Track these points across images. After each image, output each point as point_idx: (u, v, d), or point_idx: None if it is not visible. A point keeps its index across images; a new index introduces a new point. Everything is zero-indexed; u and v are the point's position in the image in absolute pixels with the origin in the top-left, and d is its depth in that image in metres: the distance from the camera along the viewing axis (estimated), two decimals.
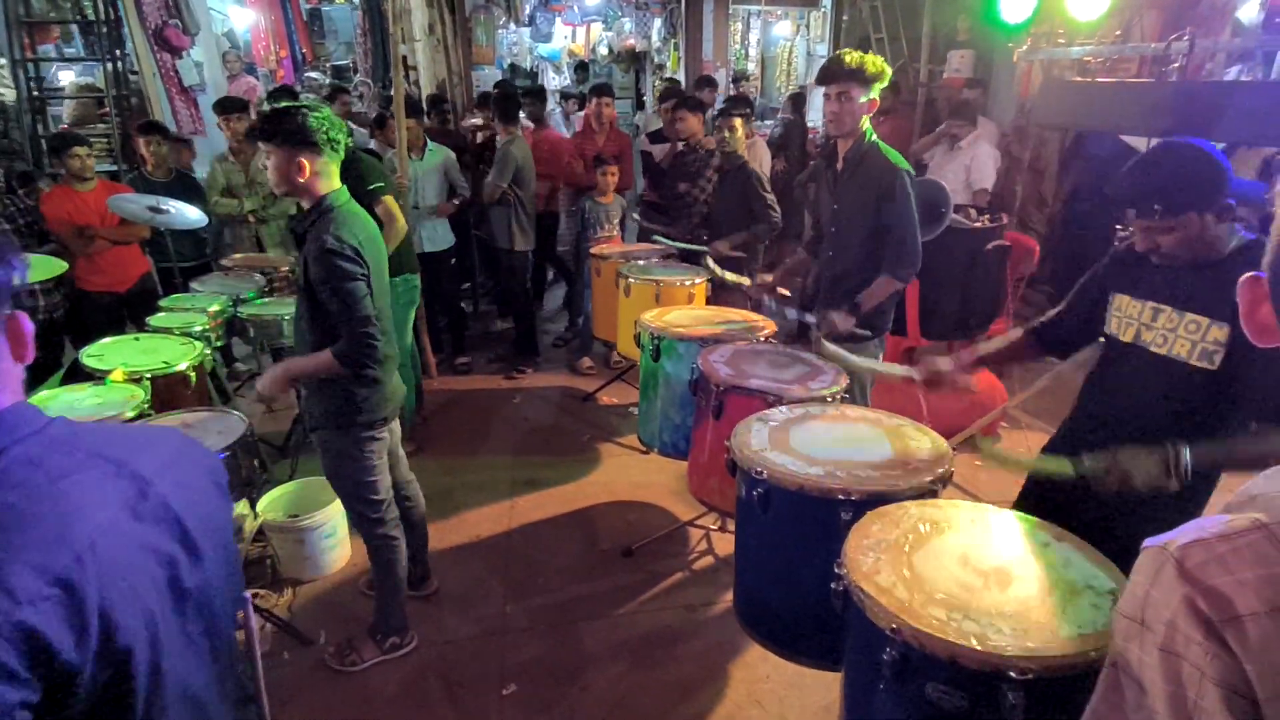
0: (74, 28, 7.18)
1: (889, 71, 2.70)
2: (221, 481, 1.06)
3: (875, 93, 2.70)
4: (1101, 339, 1.94)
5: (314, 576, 3.06)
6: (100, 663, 0.77)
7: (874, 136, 2.78)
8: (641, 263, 4.39)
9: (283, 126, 2.19)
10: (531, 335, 5.30)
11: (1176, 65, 3.27)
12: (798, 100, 7.40)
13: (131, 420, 2.59)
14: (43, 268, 2.95)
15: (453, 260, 5.05)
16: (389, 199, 3.71)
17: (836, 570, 1.55)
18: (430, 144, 4.80)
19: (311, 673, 2.61)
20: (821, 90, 2.81)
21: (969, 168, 5.06)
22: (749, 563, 2.17)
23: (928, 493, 1.90)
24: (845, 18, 8.84)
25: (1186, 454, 1.51)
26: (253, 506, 2.99)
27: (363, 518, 2.55)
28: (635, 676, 2.61)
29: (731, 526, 3.21)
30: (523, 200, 4.88)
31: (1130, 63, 4.75)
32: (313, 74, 9.66)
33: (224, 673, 1.01)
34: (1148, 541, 0.73)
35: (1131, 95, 3.51)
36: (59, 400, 2.71)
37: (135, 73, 6.72)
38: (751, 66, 12.06)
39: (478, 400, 4.78)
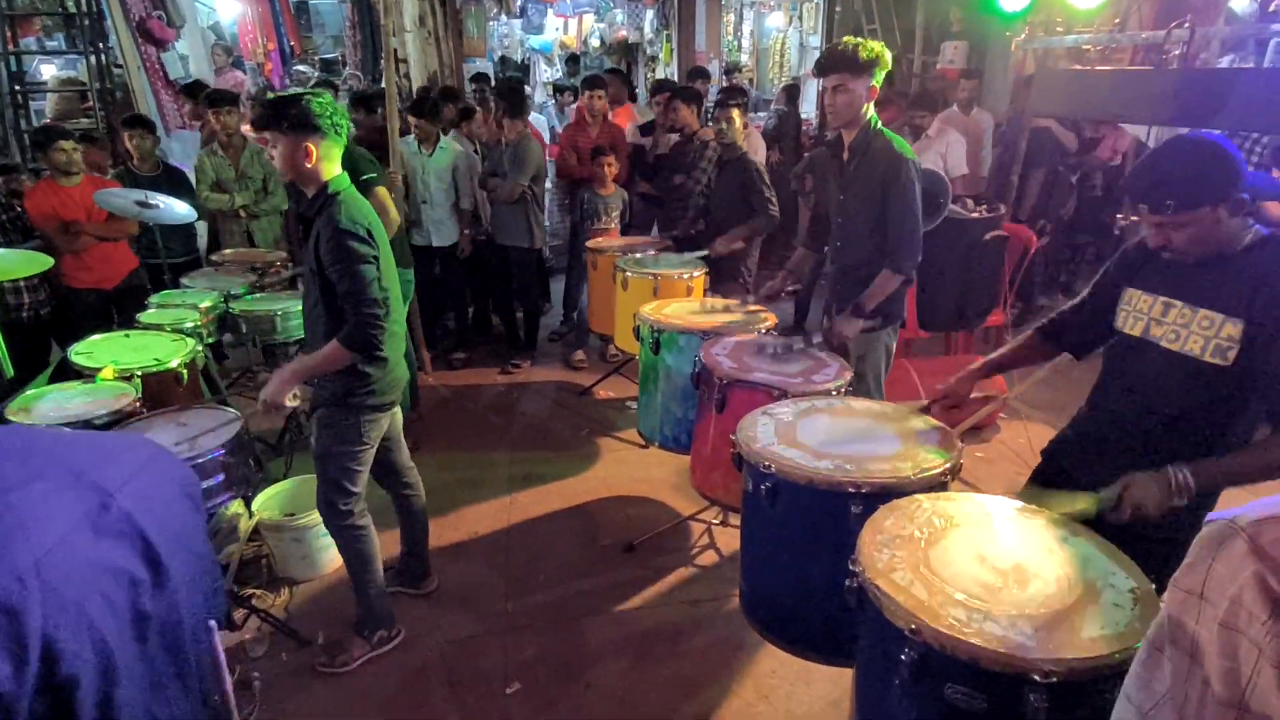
0: (56, 20, 7.05)
1: (887, 57, 2.65)
2: (194, 493, 0.99)
3: (877, 80, 2.66)
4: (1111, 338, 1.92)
5: (311, 576, 3.01)
6: (40, 693, 0.71)
7: (879, 124, 2.75)
8: (639, 256, 4.35)
9: (288, 113, 2.20)
10: (534, 331, 5.27)
11: (1177, 53, 3.25)
12: (792, 92, 7.36)
13: (124, 419, 2.54)
14: (27, 264, 2.88)
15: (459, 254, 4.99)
16: (382, 190, 3.66)
17: (851, 567, 1.52)
18: (442, 141, 4.74)
19: (310, 673, 2.57)
20: (816, 82, 2.78)
21: (944, 156, 5.04)
22: (756, 557, 2.14)
23: (938, 485, 1.88)
24: (838, 9, 8.80)
25: (1186, 476, 1.54)
26: (248, 505, 2.94)
27: (333, 507, 2.49)
28: (640, 673, 2.58)
29: (734, 521, 3.19)
30: (538, 197, 4.86)
31: (1124, 52, 4.74)
32: (301, 67, 9.52)
33: (195, 699, 0.95)
34: (1211, 515, 0.71)
35: (1132, 83, 3.49)
36: (47, 398, 2.65)
37: (119, 66, 6.61)
38: (745, 58, 12.01)
39: (474, 396, 4.73)
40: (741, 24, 12.15)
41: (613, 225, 5.09)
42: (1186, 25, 3.35)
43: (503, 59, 11.04)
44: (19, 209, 4.00)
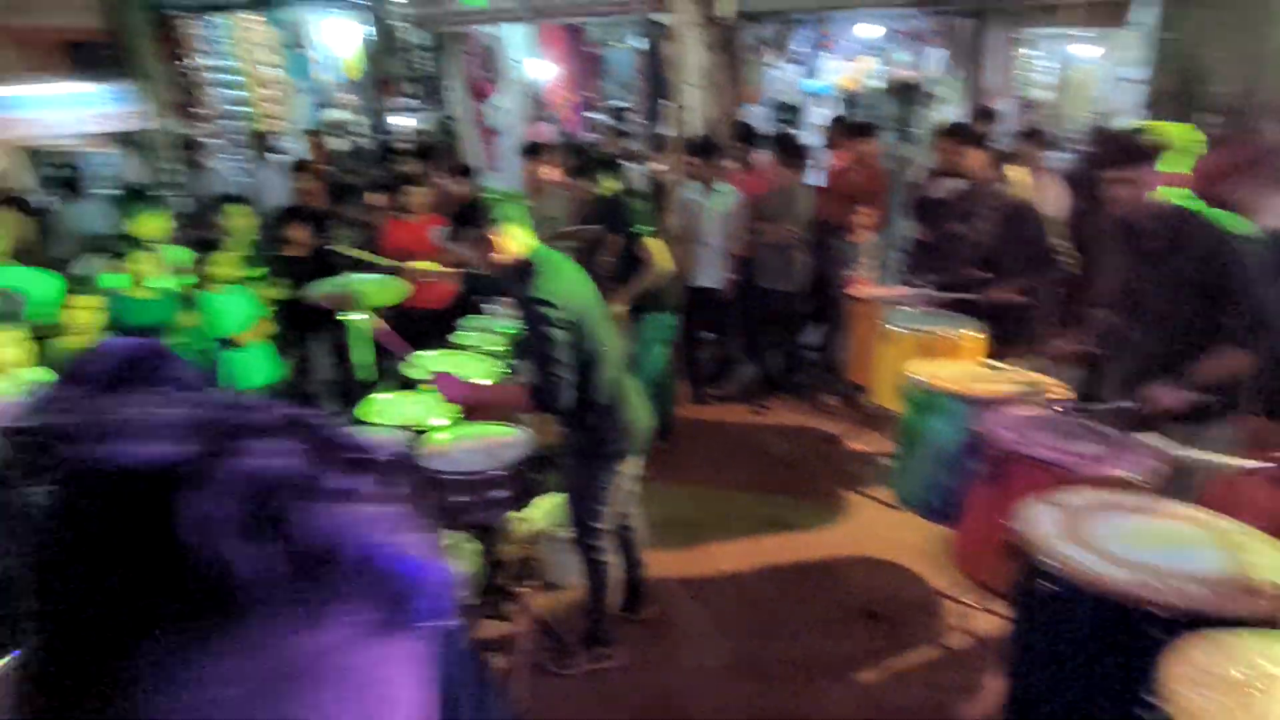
0: (413, 84, 8.64)
1: (1183, 137, 2.33)
2: None
3: (1178, 164, 2.34)
4: None
5: (572, 583, 3.30)
6: None
7: (1193, 201, 2.40)
8: (906, 309, 4.19)
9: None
10: (789, 373, 5.35)
11: None
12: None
13: (443, 427, 3.02)
14: (395, 290, 3.58)
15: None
16: (650, 240, 3.93)
17: (1149, 699, 1.34)
18: (718, 185, 4.93)
19: (558, 674, 2.82)
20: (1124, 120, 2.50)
21: None
22: (1024, 660, 1.96)
23: (1270, 622, 1.58)
24: (1165, 34, 7.70)
25: None
26: (527, 512, 3.32)
27: (581, 540, 2.76)
28: None
29: (995, 607, 2.92)
30: (804, 241, 4.97)
31: None
32: (595, 115, 10.58)
33: None
34: None
35: None
36: (392, 405, 3.25)
37: (452, 119, 7.93)
38: (1045, 94, 10.99)
39: (725, 432, 4.87)
40: (1041, 57, 11.14)
41: (864, 273, 5.00)
42: None
43: (780, 104, 11.25)
44: (378, 244, 4.95)
